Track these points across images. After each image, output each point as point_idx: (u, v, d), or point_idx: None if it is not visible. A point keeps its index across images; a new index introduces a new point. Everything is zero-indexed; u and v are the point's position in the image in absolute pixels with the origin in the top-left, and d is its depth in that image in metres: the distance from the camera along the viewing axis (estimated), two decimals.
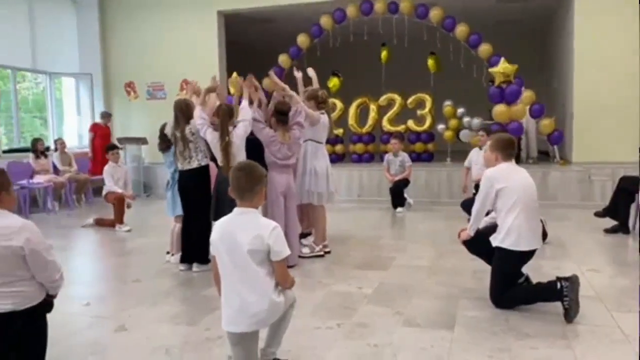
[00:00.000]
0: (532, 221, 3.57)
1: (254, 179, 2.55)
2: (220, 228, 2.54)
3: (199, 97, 4.76)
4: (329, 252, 5.22)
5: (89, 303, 3.97)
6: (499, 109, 8.60)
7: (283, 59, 10.30)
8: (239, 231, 2.46)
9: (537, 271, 4.15)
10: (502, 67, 8.58)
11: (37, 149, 8.64)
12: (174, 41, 10.61)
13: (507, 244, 3.54)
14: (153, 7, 10.80)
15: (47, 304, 2.69)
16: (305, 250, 5.15)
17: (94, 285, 4.65)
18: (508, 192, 3.54)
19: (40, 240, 2.53)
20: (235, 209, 2.55)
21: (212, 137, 4.55)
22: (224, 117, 4.50)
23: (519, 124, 8.58)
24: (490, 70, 8.88)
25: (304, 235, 5.51)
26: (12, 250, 2.44)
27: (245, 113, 4.62)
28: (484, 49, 9.14)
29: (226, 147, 4.47)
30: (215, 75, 5.51)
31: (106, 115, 10.48)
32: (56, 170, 8.91)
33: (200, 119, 4.60)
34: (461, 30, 9.33)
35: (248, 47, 12.60)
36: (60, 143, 9.23)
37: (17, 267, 2.49)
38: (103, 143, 9.20)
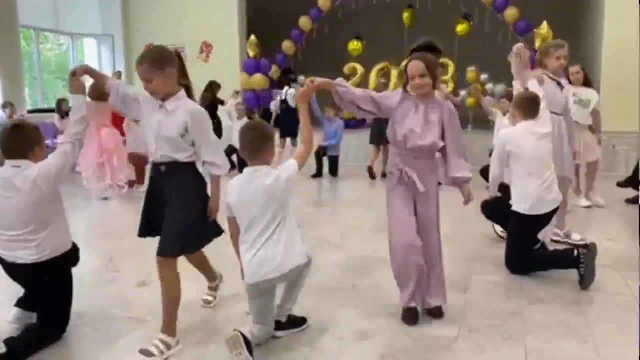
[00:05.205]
0: (546, 184, 3.54)
1: (264, 137, 2.58)
2: (236, 188, 2.57)
3: None
4: None
5: (112, 259, 4.10)
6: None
7: (304, 22, 10.16)
8: (255, 185, 2.50)
9: None
10: (546, 30, 8.33)
11: (62, 109, 8.75)
12: (194, 2, 10.53)
13: (522, 209, 3.53)
14: None
15: (72, 258, 2.81)
16: None
17: (115, 243, 4.76)
18: (521, 155, 3.51)
19: (46, 162, 2.67)
20: (247, 169, 2.58)
21: None
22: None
23: None
24: (536, 31, 8.57)
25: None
26: (37, 190, 2.56)
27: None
28: (511, 13, 8.89)
29: None
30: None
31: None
32: None
33: None
34: None
35: (268, 8, 12.43)
36: None
37: (42, 211, 2.60)
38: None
